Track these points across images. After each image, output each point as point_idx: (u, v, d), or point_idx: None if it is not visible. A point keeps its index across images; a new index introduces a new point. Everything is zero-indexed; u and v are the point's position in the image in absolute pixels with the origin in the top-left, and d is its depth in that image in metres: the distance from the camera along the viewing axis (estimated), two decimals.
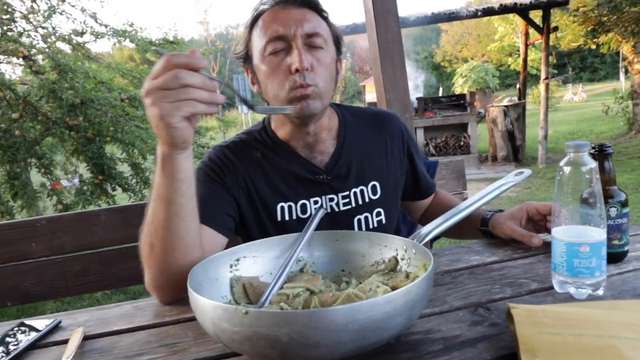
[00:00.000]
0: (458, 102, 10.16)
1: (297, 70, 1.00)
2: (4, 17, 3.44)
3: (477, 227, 1.17)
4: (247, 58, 1.13)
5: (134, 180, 3.69)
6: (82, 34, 3.84)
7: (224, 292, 0.83)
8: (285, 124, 1.14)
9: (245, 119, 17.71)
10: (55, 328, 0.86)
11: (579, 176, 0.77)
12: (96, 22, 3.87)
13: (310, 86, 1.01)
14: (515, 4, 7.88)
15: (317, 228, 0.96)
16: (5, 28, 3.44)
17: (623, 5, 7.67)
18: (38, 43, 3.78)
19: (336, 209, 1.14)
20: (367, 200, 1.17)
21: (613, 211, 0.90)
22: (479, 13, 8.16)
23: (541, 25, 7.97)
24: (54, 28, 3.83)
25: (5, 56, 3.55)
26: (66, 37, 3.80)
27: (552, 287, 0.83)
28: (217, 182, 1.09)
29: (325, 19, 1.10)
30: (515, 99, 9.54)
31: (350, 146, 1.18)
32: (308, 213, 1.13)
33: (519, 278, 0.89)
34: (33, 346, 0.79)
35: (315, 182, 1.14)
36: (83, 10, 3.86)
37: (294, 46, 1.02)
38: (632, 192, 5.47)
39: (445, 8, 8.19)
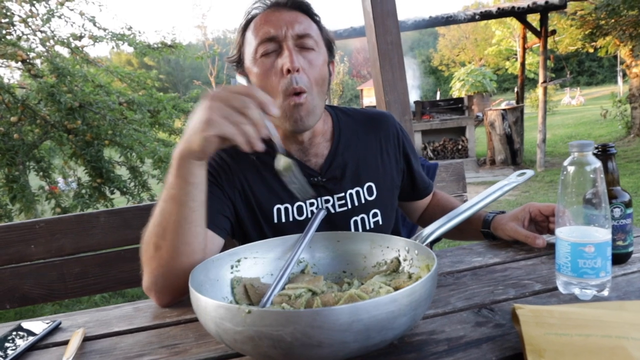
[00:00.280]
0: (456, 106, 10.18)
1: (288, 71, 1.00)
2: (2, 20, 3.43)
3: (479, 229, 1.17)
4: (240, 62, 1.13)
5: (132, 184, 3.68)
6: (80, 37, 3.84)
7: (225, 293, 0.83)
8: (278, 128, 1.13)
9: None
10: (55, 329, 0.85)
11: (584, 176, 0.76)
12: (95, 25, 3.87)
13: (303, 93, 1.01)
14: (513, 7, 7.91)
15: None
16: (4, 32, 3.43)
17: (621, 9, 7.70)
18: (37, 47, 3.77)
19: (332, 211, 1.14)
20: (363, 201, 1.16)
21: (617, 212, 0.89)
22: (477, 17, 8.19)
23: (539, 28, 8.00)
24: (52, 32, 3.83)
25: (4, 60, 3.54)
26: (65, 40, 3.80)
27: (556, 288, 0.83)
28: (212, 183, 1.08)
29: (317, 22, 1.11)
30: (513, 102, 9.56)
31: (344, 148, 1.18)
32: (304, 215, 1.12)
33: (523, 279, 0.89)
34: (33, 347, 0.78)
35: (311, 184, 1.13)
36: (82, 14, 3.86)
37: (285, 47, 1.02)
38: (632, 195, 5.47)
39: (443, 12, 8.20)
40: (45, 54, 3.68)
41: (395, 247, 0.88)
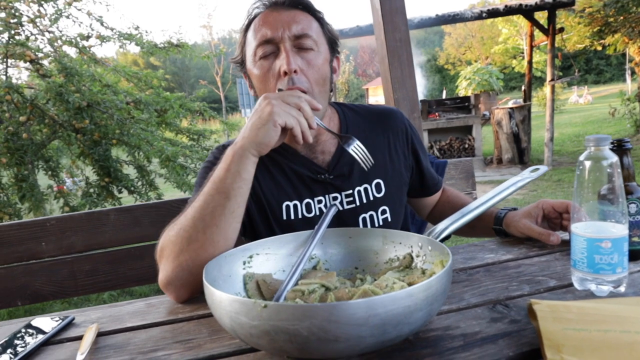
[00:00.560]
0: (462, 105, 10.14)
1: (285, 73, 1.00)
2: (11, 21, 3.45)
3: (490, 226, 1.16)
4: (243, 62, 1.13)
5: (140, 183, 3.70)
6: (88, 37, 3.87)
7: (237, 289, 0.83)
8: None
9: None
10: (69, 325, 0.85)
11: (600, 171, 0.75)
12: (102, 25, 3.90)
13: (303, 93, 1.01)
14: (521, 5, 7.85)
15: None
16: (12, 32, 3.46)
17: (630, 6, 7.63)
18: (45, 47, 3.80)
19: (340, 208, 1.13)
20: (371, 198, 1.16)
21: (633, 207, 0.88)
22: (484, 14, 8.14)
23: (547, 26, 7.95)
24: (60, 32, 3.85)
25: (13, 60, 3.57)
26: (72, 40, 3.82)
27: (571, 285, 0.82)
28: None
29: (319, 19, 1.10)
30: (520, 101, 9.51)
31: None
32: (313, 212, 1.12)
33: (537, 275, 0.88)
34: (47, 342, 0.79)
35: (318, 182, 1.13)
36: (89, 14, 3.88)
37: (282, 49, 1.02)
38: None
39: (449, 10, 8.17)
40: (53, 53, 3.70)
41: (408, 243, 0.87)
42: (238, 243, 1.00)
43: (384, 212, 1.17)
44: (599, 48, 10.06)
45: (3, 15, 3.42)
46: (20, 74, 4.18)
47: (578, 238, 0.78)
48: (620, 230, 0.76)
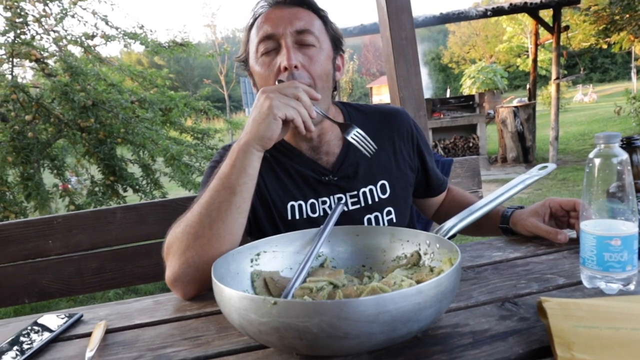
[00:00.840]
0: (467, 103, 10.10)
1: (285, 69, 1.00)
2: (17, 20, 3.47)
3: (497, 225, 1.15)
4: (247, 60, 1.13)
5: (145, 182, 3.71)
6: (92, 37, 3.88)
7: (245, 287, 0.83)
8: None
9: None
10: (77, 322, 0.85)
11: (610, 168, 0.75)
12: (107, 24, 3.91)
13: None
14: (526, 3, 7.82)
15: None
16: (18, 31, 3.47)
17: (636, 4, 7.60)
18: (50, 46, 3.81)
19: (345, 209, 1.13)
20: (376, 199, 1.16)
21: None
22: (489, 13, 8.11)
23: (552, 24, 7.91)
24: (65, 31, 3.87)
25: (18, 59, 3.59)
26: (77, 40, 3.83)
27: (580, 282, 0.82)
28: None
29: (322, 17, 1.10)
30: (525, 99, 9.47)
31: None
32: (317, 213, 1.12)
33: (545, 273, 0.88)
34: (56, 339, 0.79)
35: (322, 183, 1.13)
36: (94, 13, 3.89)
37: (283, 44, 1.02)
38: None
39: (453, 8, 8.14)
40: (59, 53, 3.72)
41: (416, 241, 0.87)
42: (244, 242, 1.01)
43: (389, 213, 1.17)
44: (605, 46, 10.03)
45: (9, 14, 3.43)
46: (25, 73, 4.22)
47: (587, 236, 0.78)
48: (630, 228, 0.75)
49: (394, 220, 1.18)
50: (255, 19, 1.08)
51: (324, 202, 1.13)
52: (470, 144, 8.89)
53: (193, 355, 0.69)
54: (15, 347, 0.75)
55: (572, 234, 1.05)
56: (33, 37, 3.64)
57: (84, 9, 3.91)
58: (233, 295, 0.62)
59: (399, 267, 0.86)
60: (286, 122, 0.92)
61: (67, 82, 3.38)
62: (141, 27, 4.07)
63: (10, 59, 3.52)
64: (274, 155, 1.15)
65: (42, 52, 3.60)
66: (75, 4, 3.83)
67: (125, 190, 3.66)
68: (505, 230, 1.14)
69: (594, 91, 23.29)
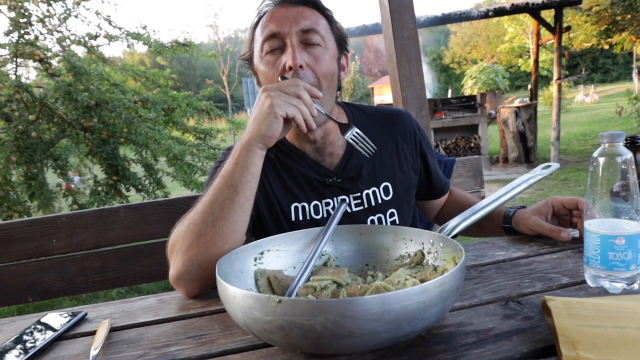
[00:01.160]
0: (468, 104, 10.10)
1: (290, 68, 1.00)
2: (20, 20, 3.48)
3: (499, 225, 1.15)
4: (251, 59, 1.13)
5: (147, 181, 3.72)
6: (96, 37, 3.89)
7: (249, 285, 0.83)
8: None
9: None
10: (81, 320, 0.86)
11: (614, 167, 0.75)
12: (110, 24, 3.92)
13: None
14: (527, 3, 7.81)
15: None
16: (22, 31, 3.48)
17: (637, 4, 7.58)
18: (54, 46, 3.82)
19: (348, 210, 1.13)
20: (379, 201, 1.16)
21: None
22: (490, 13, 8.11)
23: (553, 25, 7.90)
24: (69, 31, 3.87)
25: (22, 59, 3.60)
26: (81, 40, 3.84)
27: (584, 282, 0.82)
28: None
29: (328, 17, 1.10)
30: (527, 100, 9.45)
31: None
32: (321, 214, 1.13)
33: (549, 273, 0.88)
34: (61, 337, 0.79)
35: (326, 185, 1.13)
36: (97, 13, 3.90)
37: (288, 44, 1.02)
38: None
39: (455, 9, 8.14)
40: (62, 53, 3.73)
41: (419, 240, 0.87)
42: (247, 242, 1.01)
43: (392, 214, 1.17)
44: (606, 47, 10.01)
45: (13, 14, 3.44)
46: (29, 73, 4.23)
47: (591, 235, 0.78)
48: (634, 227, 0.75)
49: (397, 222, 1.18)
50: (260, 18, 1.08)
51: (327, 204, 1.13)
52: (472, 144, 8.89)
53: (197, 354, 0.69)
54: (19, 346, 0.76)
55: (575, 232, 1.05)
56: (37, 37, 3.65)
57: (88, 9, 3.92)
58: (237, 294, 0.62)
59: (402, 266, 0.86)
60: (288, 121, 0.92)
61: (70, 82, 3.39)
62: (144, 27, 4.08)
63: (14, 59, 3.52)
64: (278, 156, 1.15)
65: (45, 52, 3.61)
66: (78, 4, 3.84)
67: (128, 190, 3.67)
68: (508, 230, 1.14)
69: (596, 92, 23.23)
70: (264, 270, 0.86)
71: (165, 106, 3.93)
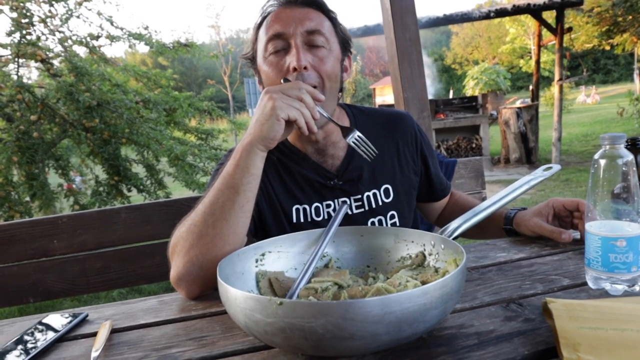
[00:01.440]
0: (470, 104, 10.10)
1: (295, 69, 1.00)
2: (22, 21, 3.49)
3: (500, 226, 1.15)
4: (254, 59, 1.13)
5: (149, 182, 3.72)
6: (97, 37, 3.90)
7: (250, 287, 0.83)
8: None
9: None
10: (82, 322, 0.86)
11: (615, 169, 0.75)
12: (112, 25, 3.92)
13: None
14: (529, 4, 7.81)
15: None
16: (24, 32, 3.49)
17: (639, 5, 7.57)
18: (55, 46, 3.83)
19: (349, 212, 1.13)
20: (380, 203, 1.16)
21: None
22: (492, 14, 8.11)
23: (554, 26, 7.90)
24: (71, 31, 3.88)
25: (24, 59, 3.60)
26: (83, 40, 3.85)
27: (585, 283, 0.82)
28: None
29: (332, 19, 1.10)
30: (528, 100, 9.45)
31: None
32: (322, 216, 1.13)
33: (550, 274, 0.88)
34: (62, 338, 0.79)
35: (327, 187, 1.13)
36: (99, 13, 3.91)
37: (293, 44, 1.02)
38: None
39: (456, 10, 8.14)
40: (64, 53, 3.74)
41: (421, 242, 0.87)
42: (249, 244, 1.01)
43: (392, 216, 1.18)
44: (607, 47, 10.00)
45: (15, 15, 3.45)
46: (31, 73, 4.24)
47: (592, 237, 0.78)
48: (635, 229, 0.75)
49: (397, 224, 1.18)
50: (264, 18, 1.08)
51: (328, 206, 1.13)
52: (473, 145, 8.88)
53: (198, 356, 0.69)
54: (20, 347, 0.76)
55: (576, 234, 1.05)
56: (39, 38, 3.66)
57: (89, 9, 3.93)
58: (239, 296, 0.62)
59: (403, 268, 0.86)
60: (289, 123, 0.92)
61: (72, 83, 3.40)
62: (146, 28, 4.09)
63: (16, 59, 3.54)
64: (280, 158, 1.15)
65: (47, 53, 3.63)
66: (80, 4, 3.85)
67: (129, 190, 3.67)
68: (509, 231, 1.14)
69: (597, 92, 23.19)
70: (265, 272, 0.86)
71: (167, 106, 3.93)
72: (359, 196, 1.15)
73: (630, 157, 0.75)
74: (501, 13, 8.31)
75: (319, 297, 0.75)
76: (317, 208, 1.13)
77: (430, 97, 13.10)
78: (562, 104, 8.36)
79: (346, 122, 1.20)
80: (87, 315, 0.88)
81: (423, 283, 0.76)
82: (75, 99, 3.33)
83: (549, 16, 8.51)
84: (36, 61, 3.61)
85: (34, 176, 3.19)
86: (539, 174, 0.99)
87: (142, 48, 4.14)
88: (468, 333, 0.68)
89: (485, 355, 0.61)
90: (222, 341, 0.73)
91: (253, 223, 1.11)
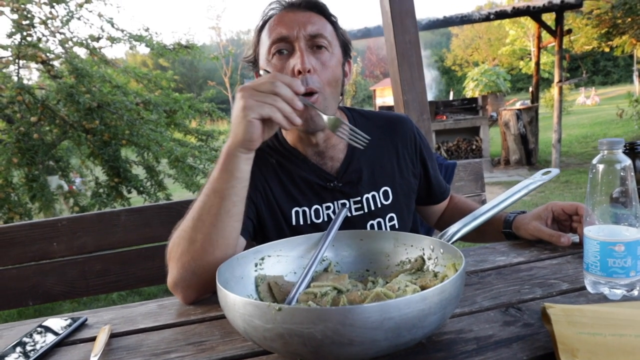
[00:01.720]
0: (470, 106, 10.11)
1: (299, 72, 1.00)
2: (23, 22, 3.49)
3: (500, 230, 1.15)
4: (255, 61, 1.13)
5: (149, 183, 3.72)
6: (98, 39, 3.90)
7: (249, 291, 0.83)
8: (293, 131, 1.14)
9: None
10: (82, 326, 0.86)
11: (613, 174, 0.75)
12: (112, 26, 3.93)
13: (314, 93, 1.01)
14: (528, 6, 7.82)
15: None
16: (24, 33, 3.50)
17: (638, 8, 7.58)
18: (56, 48, 3.84)
19: (349, 215, 1.13)
20: (379, 205, 1.16)
21: None
22: (492, 16, 8.12)
23: (554, 28, 7.91)
24: (71, 33, 3.89)
25: (24, 61, 3.61)
26: (83, 42, 3.85)
27: (584, 288, 0.82)
28: None
29: (333, 23, 1.10)
30: (528, 102, 9.46)
31: (361, 151, 1.17)
32: (321, 218, 1.13)
33: (549, 278, 0.88)
34: (61, 343, 0.80)
35: (327, 189, 1.13)
36: (100, 15, 3.91)
37: (297, 47, 1.02)
38: None
39: (456, 12, 8.15)
40: (64, 55, 3.74)
41: (420, 246, 0.87)
42: (248, 247, 1.01)
43: (391, 219, 1.18)
44: (607, 49, 10.01)
45: (15, 17, 3.46)
46: (31, 74, 4.23)
47: (591, 241, 0.78)
48: (633, 233, 0.75)
49: (396, 227, 1.18)
50: (266, 21, 1.09)
51: (327, 208, 1.13)
52: (473, 147, 8.88)
53: None
54: (19, 351, 0.76)
55: (575, 237, 1.05)
56: (39, 39, 3.66)
57: (90, 11, 3.93)
58: (237, 301, 0.62)
59: (403, 272, 0.86)
60: (268, 120, 0.88)
61: (72, 84, 3.40)
62: (147, 30, 4.09)
63: (17, 60, 3.54)
64: (279, 161, 1.15)
65: (48, 54, 3.63)
66: (81, 6, 3.85)
67: (129, 192, 3.67)
68: (508, 235, 1.14)
69: (597, 94, 23.20)
70: (264, 276, 0.86)
71: (167, 108, 3.94)
72: (358, 198, 1.15)
73: (628, 162, 0.75)
74: (501, 15, 8.31)
75: (318, 302, 0.75)
76: (316, 210, 1.13)
77: (431, 98, 13.12)
78: (562, 106, 8.36)
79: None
80: (86, 320, 0.88)
81: (422, 288, 0.76)
82: (75, 101, 3.33)
83: (549, 18, 8.52)
84: (37, 63, 3.62)
85: (34, 178, 3.20)
86: (537, 178, 0.99)
87: (143, 49, 4.12)
88: (467, 338, 0.68)
89: None
90: (221, 346, 0.73)
91: (252, 226, 1.11)
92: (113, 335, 0.81)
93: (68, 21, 3.80)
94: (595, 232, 0.78)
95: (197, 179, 3.65)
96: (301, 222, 1.12)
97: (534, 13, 8.00)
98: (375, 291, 0.72)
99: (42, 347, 0.77)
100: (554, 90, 8.05)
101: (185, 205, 1.52)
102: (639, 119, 9.92)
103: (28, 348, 0.77)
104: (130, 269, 1.53)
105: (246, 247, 0.98)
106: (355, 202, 1.15)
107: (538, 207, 1.11)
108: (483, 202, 1.86)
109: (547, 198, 5.99)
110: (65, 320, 0.87)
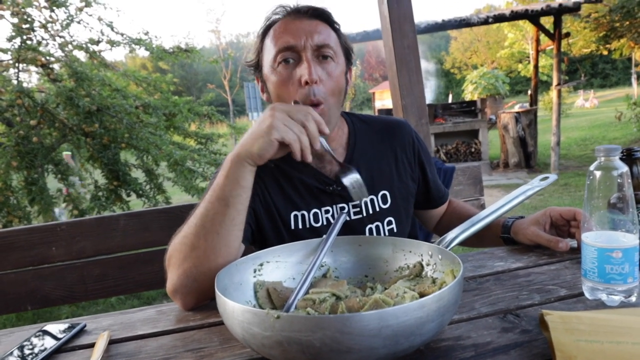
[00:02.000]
0: (468, 109, 10.13)
1: (306, 82, 1.00)
2: (23, 26, 3.50)
3: (498, 235, 1.16)
4: (258, 66, 1.13)
5: (148, 186, 3.72)
6: (98, 42, 3.91)
7: (248, 297, 0.83)
8: None
9: None
10: (80, 332, 0.86)
11: (610, 180, 0.76)
12: (112, 30, 3.93)
13: (320, 104, 1.01)
14: (527, 10, 7.85)
15: None
16: (24, 37, 3.50)
17: (635, 11, 7.62)
18: (56, 51, 3.84)
19: (347, 218, 1.13)
20: (377, 209, 1.16)
21: None
22: (490, 20, 8.14)
23: (552, 31, 7.93)
24: (71, 36, 3.90)
25: (24, 64, 3.61)
26: (83, 45, 3.86)
27: (582, 294, 0.82)
28: None
29: (337, 30, 1.10)
30: (527, 105, 9.48)
31: (360, 155, 1.18)
32: (320, 222, 1.13)
33: (547, 284, 0.88)
34: (59, 349, 0.79)
35: (326, 193, 1.14)
36: (100, 19, 3.92)
37: (304, 58, 1.02)
38: None
39: (455, 15, 8.17)
40: (64, 58, 3.74)
41: (418, 252, 0.87)
42: (247, 252, 1.01)
43: (389, 223, 1.18)
44: (605, 52, 10.05)
45: (16, 20, 3.46)
46: (31, 78, 4.24)
47: (589, 248, 0.78)
48: (631, 240, 0.75)
49: (395, 230, 1.18)
50: (269, 26, 1.08)
51: (326, 212, 1.13)
52: (472, 149, 8.90)
53: None
54: (18, 357, 0.76)
55: (573, 243, 1.06)
56: (39, 43, 3.67)
57: (90, 15, 3.94)
58: (236, 309, 0.62)
59: (401, 278, 0.86)
60: (285, 145, 0.90)
61: (72, 87, 3.40)
62: (146, 33, 4.10)
63: (16, 64, 3.54)
64: (278, 164, 1.15)
65: (47, 58, 3.63)
66: (81, 10, 3.86)
67: (128, 195, 3.67)
68: (507, 240, 1.15)
69: (595, 97, 23.23)
70: (263, 282, 0.86)
71: (167, 111, 3.94)
72: (357, 202, 1.15)
73: (625, 168, 0.76)
74: (499, 19, 8.34)
75: (316, 309, 0.75)
76: (315, 214, 1.13)
77: (429, 101, 13.13)
78: (561, 109, 8.38)
79: (345, 131, 1.20)
80: (85, 326, 0.88)
81: (421, 294, 0.76)
82: (75, 104, 3.33)
83: (547, 21, 8.54)
84: (36, 66, 3.62)
85: (33, 181, 3.19)
86: (535, 184, 0.99)
87: (143, 52, 4.13)
88: (465, 345, 0.68)
89: None
90: (219, 353, 0.73)
91: (251, 231, 1.11)
92: (112, 342, 0.81)
93: (68, 25, 3.81)
94: (593, 239, 0.78)
95: (196, 182, 3.65)
96: (300, 226, 1.12)
97: (533, 16, 8.02)
98: (373, 298, 0.72)
99: (40, 353, 0.77)
100: (553, 93, 8.07)
101: (184, 210, 1.53)
102: (637, 122, 9.94)
103: (27, 354, 0.77)
104: (129, 274, 1.53)
105: (245, 252, 0.98)
106: (353, 206, 1.15)
107: (536, 212, 1.11)
108: (482, 206, 1.86)
109: (546, 201, 6.00)
110: (64, 326, 0.87)
